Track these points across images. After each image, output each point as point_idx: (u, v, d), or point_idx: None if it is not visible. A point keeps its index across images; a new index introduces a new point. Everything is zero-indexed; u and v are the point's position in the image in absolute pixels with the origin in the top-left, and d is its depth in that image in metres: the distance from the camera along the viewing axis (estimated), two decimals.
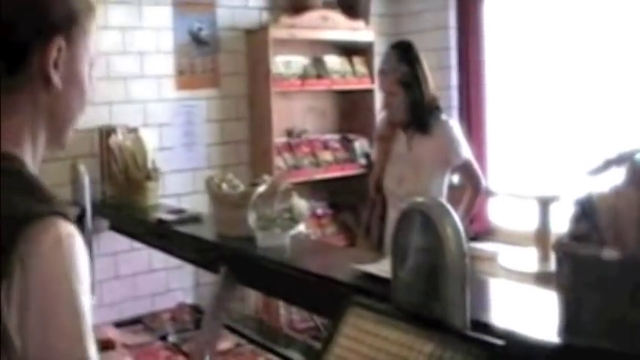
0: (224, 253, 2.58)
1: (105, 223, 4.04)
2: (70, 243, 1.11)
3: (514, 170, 4.99)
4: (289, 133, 4.98)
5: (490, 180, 4.98)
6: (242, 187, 2.67)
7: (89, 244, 3.55)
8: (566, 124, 4.56)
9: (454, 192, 3.65)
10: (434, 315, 1.38)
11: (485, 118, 5.15)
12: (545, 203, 4.13)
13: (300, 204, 2.49)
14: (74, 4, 1.19)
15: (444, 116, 3.56)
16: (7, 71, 1.16)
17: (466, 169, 3.55)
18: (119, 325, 3.70)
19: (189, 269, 4.40)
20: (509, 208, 5.04)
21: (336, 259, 2.31)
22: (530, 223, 4.38)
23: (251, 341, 3.38)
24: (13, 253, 1.07)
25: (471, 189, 3.60)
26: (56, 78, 1.17)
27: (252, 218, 2.45)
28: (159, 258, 4.21)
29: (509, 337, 1.35)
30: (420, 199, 1.45)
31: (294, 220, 2.46)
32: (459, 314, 1.35)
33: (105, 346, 3.00)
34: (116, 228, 3.99)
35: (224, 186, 2.72)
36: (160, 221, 3.16)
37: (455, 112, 5.19)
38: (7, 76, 1.16)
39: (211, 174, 3.05)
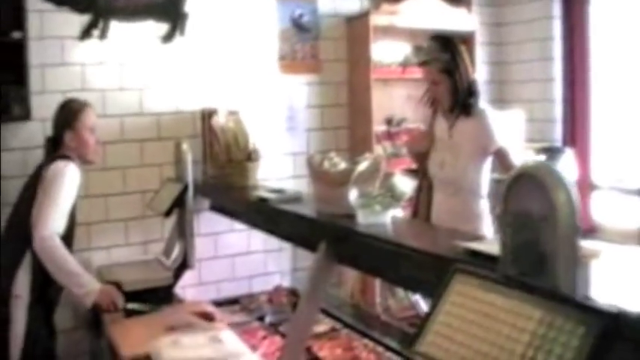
0: (324, 230, 2.56)
1: (205, 202, 4.11)
2: (64, 171, 3.25)
3: (619, 164, 4.83)
4: (389, 122, 4.96)
5: (593, 173, 4.86)
6: (343, 165, 2.66)
7: (190, 221, 3.63)
8: None
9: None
10: (542, 282, 1.34)
11: (590, 110, 5.02)
12: None
13: (403, 182, 2.46)
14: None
15: (482, 104, 3.63)
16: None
17: (500, 157, 3.58)
18: (217, 304, 3.75)
19: (287, 253, 4.44)
20: (613, 204, 4.88)
21: (439, 237, 2.27)
22: (635, 221, 4.22)
23: (347, 326, 3.37)
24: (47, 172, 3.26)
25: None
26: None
27: (353, 196, 2.44)
28: (257, 240, 4.28)
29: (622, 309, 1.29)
30: (531, 162, 1.40)
31: (395, 199, 2.44)
32: (568, 283, 1.31)
33: (206, 318, 3.06)
34: (216, 208, 4.05)
35: (325, 164, 2.72)
36: (262, 199, 3.19)
37: (558, 105, 5.08)
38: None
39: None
